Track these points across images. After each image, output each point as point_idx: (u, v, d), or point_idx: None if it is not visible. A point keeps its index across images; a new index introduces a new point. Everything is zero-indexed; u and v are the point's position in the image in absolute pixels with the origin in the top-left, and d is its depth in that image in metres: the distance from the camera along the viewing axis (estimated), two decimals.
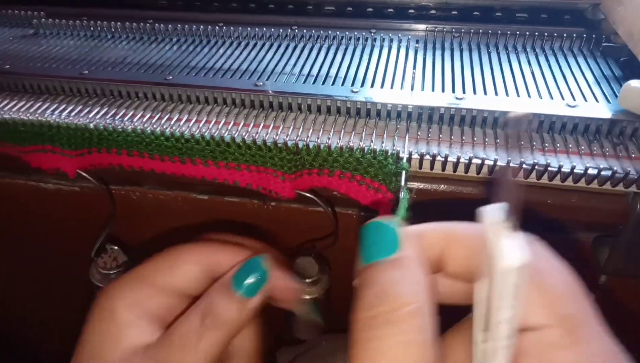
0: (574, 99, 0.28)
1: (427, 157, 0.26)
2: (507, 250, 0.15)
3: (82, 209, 0.41)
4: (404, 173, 0.26)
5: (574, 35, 0.35)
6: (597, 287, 0.35)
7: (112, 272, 0.38)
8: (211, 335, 0.23)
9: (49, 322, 0.54)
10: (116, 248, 0.39)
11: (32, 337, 0.58)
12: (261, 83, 0.31)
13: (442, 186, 0.32)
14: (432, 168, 0.27)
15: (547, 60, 0.33)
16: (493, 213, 0.16)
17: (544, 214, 0.32)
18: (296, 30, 0.37)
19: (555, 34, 0.35)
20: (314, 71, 0.33)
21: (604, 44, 0.33)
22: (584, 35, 0.35)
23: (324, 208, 0.31)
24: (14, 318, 0.56)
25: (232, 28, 0.37)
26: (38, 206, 0.42)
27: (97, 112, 0.31)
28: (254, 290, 0.23)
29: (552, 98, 0.29)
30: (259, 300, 0.24)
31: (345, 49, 0.35)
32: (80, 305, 0.48)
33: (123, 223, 0.40)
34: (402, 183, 0.26)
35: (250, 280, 0.23)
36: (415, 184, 0.32)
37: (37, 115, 0.31)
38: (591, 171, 0.25)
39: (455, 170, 0.27)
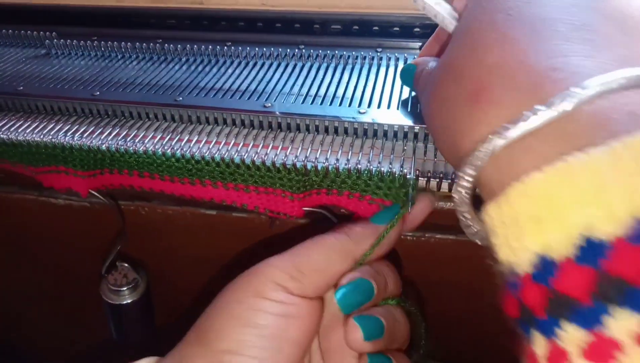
0: None
1: (435, 178, 0.27)
2: None
3: (92, 225, 0.42)
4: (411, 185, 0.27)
5: None
6: None
7: (122, 289, 0.38)
8: (338, 234, 0.26)
9: (59, 336, 0.55)
10: (126, 265, 0.39)
11: (42, 351, 0.58)
12: (269, 104, 0.31)
13: (449, 204, 0.33)
14: (439, 188, 0.28)
15: None
16: None
17: None
18: (303, 50, 0.37)
19: None
20: (321, 92, 0.33)
21: None
22: None
23: (333, 220, 0.32)
24: (23, 333, 0.57)
25: (240, 48, 0.38)
26: (48, 221, 0.43)
27: (109, 134, 0.32)
28: (384, 220, 0.27)
29: None
30: (392, 234, 0.27)
31: (352, 68, 0.36)
32: (90, 320, 0.48)
33: (132, 238, 0.40)
34: (410, 191, 0.27)
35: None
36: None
37: (50, 136, 0.32)
38: None
39: None
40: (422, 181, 0.28)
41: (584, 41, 0.16)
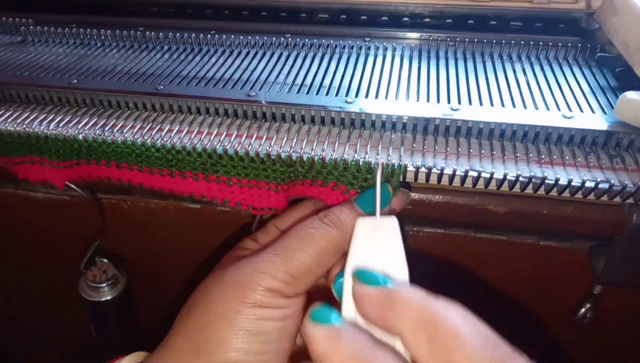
0: (570, 110, 0.28)
1: (423, 169, 0.26)
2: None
3: (72, 218, 0.40)
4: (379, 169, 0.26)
5: (569, 44, 0.35)
6: (592, 296, 0.35)
7: (101, 285, 0.37)
8: (326, 229, 0.25)
9: (38, 330, 0.53)
10: (105, 260, 0.38)
11: (22, 347, 0.57)
12: (254, 93, 0.30)
13: (438, 196, 0.32)
14: (427, 180, 0.27)
15: (542, 69, 0.33)
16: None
17: (540, 225, 0.32)
18: (289, 39, 0.36)
19: (550, 43, 0.35)
20: (308, 81, 0.32)
21: (599, 54, 0.33)
22: (579, 45, 0.35)
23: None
24: (2, 328, 0.55)
25: (224, 36, 0.37)
26: (27, 215, 0.41)
27: (86, 123, 0.31)
28: (372, 209, 0.26)
29: (548, 109, 0.29)
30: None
31: (339, 58, 0.35)
32: (70, 314, 0.47)
33: (113, 233, 0.39)
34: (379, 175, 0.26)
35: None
36: (412, 195, 0.32)
37: (24, 126, 0.31)
38: (588, 184, 0.25)
39: (451, 182, 0.26)
40: (409, 173, 0.27)
41: None
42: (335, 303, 0.23)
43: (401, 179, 0.27)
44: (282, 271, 0.24)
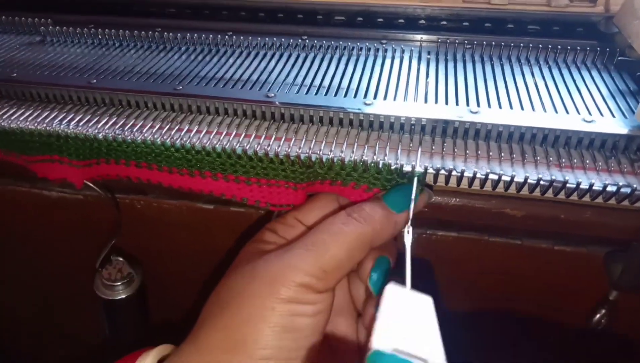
0: (590, 114, 0.28)
1: (443, 172, 0.26)
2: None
3: (86, 217, 0.41)
4: (415, 180, 0.26)
5: (587, 48, 0.35)
6: (607, 302, 0.35)
7: (116, 284, 0.37)
8: (356, 224, 0.25)
9: (51, 330, 0.54)
10: (121, 259, 0.38)
11: (34, 345, 0.57)
12: (272, 94, 0.30)
13: (454, 199, 0.32)
14: (447, 182, 0.27)
15: (561, 73, 0.33)
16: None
17: (556, 229, 0.32)
18: (306, 40, 0.37)
19: (568, 47, 0.35)
20: (325, 83, 0.32)
21: (619, 58, 0.33)
22: (598, 49, 0.34)
23: None
24: (14, 330, 0.55)
25: (241, 37, 0.37)
26: (41, 213, 0.42)
27: (106, 122, 0.31)
28: (401, 206, 0.26)
29: (567, 113, 0.28)
30: (405, 217, 0.26)
31: (357, 60, 0.35)
32: (84, 313, 0.47)
33: (126, 232, 0.39)
34: (415, 186, 0.26)
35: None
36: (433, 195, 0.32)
37: (44, 124, 0.31)
38: (610, 188, 0.24)
39: (471, 185, 0.26)
40: (429, 176, 0.27)
41: None
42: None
43: (422, 182, 0.27)
44: (315, 266, 0.24)
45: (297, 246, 0.25)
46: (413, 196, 0.26)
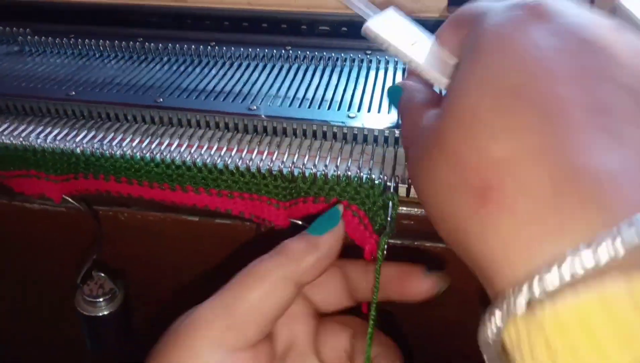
0: None
1: None
2: None
3: (68, 230, 0.40)
4: (390, 206, 0.25)
5: None
6: None
7: (97, 300, 0.37)
8: (272, 258, 0.22)
9: (32, 346, 0.52)
10: (102, 275, 0.37)
11: (17, 358, 0.56)
12: (255, 107, 0.30)
13: None
14: None
15: None
16: None
17: None
18: (290, 51, 0.36)
19: None
20: (309, 95, 0.32)
21: None
22: None
23: None
24: None
25: (224, 48, 0.37)
26: (21, 227, 0.41)
27: (84, 136, 0.30)
28: (323, 230, 0.23)
29: None
30: (328, 240, 0.23)
31: (341, 71, 0.35)
32: (65, 327, 0.46)
33: (110, 245, 0.38)
34: (389, 217, 0.25)
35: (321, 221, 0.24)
36: (415, 209, 0.31)
37: (21, 138, 0.30)
38: None
39: None
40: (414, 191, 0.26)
41: (605, 130, 0.14)
42: None
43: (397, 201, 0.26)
44: (221, 314, 0.21)
45: (215, 294, 0.22)
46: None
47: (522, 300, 0.13)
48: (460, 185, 0.15)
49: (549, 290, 0.12)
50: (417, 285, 0.24)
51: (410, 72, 0.26)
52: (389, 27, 0.23)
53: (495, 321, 0.14)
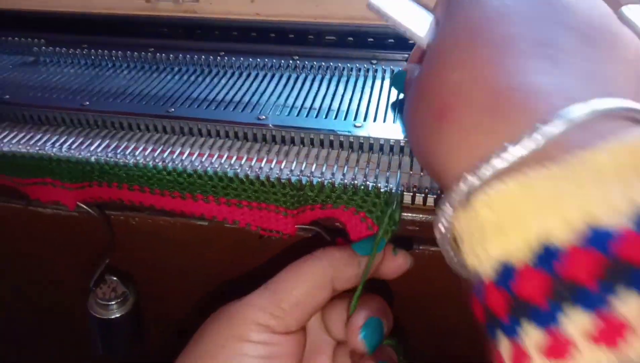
0: None
1: (432, 195, 0.26)
2: None
3: (80, 236, 0.41)
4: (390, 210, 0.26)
5: None
6: None
7: (110, 303, 0.37)
8: (315, 261, 0.25)
9: (45, 349, 0.53)
10: (115, 278, 0.38)
11: (29, 361, 0.57)
12: (264, 116, 0.31)
13: None
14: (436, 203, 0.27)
15: None
16: None
17: None
18: (297, 61, 0.37)
19: None
20: (316, 104, 0.33)
21: None
22: None
23: (326, 239, 0.31)
24: (6, 344, 0.55)
25: (233, 58, 0.37)
26: (35, 231, 0.42)
27: (98, 145, 0.31)
28: (366, 251, 0.26)
29: None
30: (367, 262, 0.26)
31: (347, 80, 0.36)
32: (78, 332, 0.47)
33: (121, 250, 0.39)
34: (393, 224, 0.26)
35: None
36: (419, 216, 0.32)
37: (37, 148, 0.31)
38: None
39: None
40: (419, 198, 0.27)
41: (545, 58, 0.17)
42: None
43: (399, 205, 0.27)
44: (270, 302, 0.24)
45: (261, 286, 0.25)
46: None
47: (462, 190, 0.15)
48: (427, 109, 0.19)
49: (483, 181, 0.15)
50: (389, 264, 0.27)
51: (412, 55, 0.29)
52: (392, 3, 0.24)
53: (444, 214, 0.16)
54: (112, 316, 0.38)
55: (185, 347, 0.25)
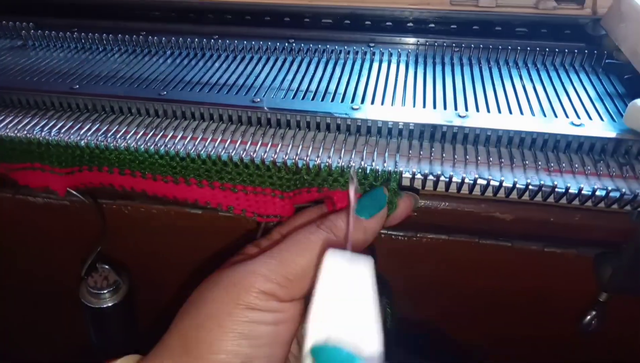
0: (579, 118, 0.28)
1: (431, 177, 0.26)
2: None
3: (72, 224, 0.40)
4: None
5: (575, 50, 0.35)
6: (597, 304, 0.35)
7: (102, 292, 0.37)
8: (321, 233, 0.25)
9: (36, 338, 0.53)
10: (107, 267, 0.37)
11: (19, 352, 0.56)
12: (258, 99, 0.30)
13: (443, 203, 0.32)
14: (435, 188, 0.27)
15: (549, 76, 0.33)
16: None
17: (546, 232, 0.32)
18: (293, 44, 0.36)
19: (556, 50, 0.35)
20: (313, 87, 0.32)
21: (607, 61, 0.33)
22: (585, 51, 0.34)
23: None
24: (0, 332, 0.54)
25: (227, 41, 0.37)
26: (26, 220, 0.41)
27: (89, 129, 0.30)
28: (369, 212, 0.26)
29: (556, 116, 0.28)
30: (374, 226, 0.26)
31: (344, 64, 0.35)
32: (70, 321, 0.46)
33: (114, 238, 0.39)
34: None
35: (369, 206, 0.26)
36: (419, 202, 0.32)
37: (25, 131, 0.30)
38: (599, 193, 0.24)
39: (459, 190, 0.26)
40: (417, 181, 0.26)
41: None
42: None
43: (397, 185, 0.26)
44: (277, 273, 0.24)
45: (263, 255, 0.25)
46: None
47: None
48: None
49: None
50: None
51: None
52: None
53: None
54: (104, 305, 0.37)
55: (176, 316, 0.25)
